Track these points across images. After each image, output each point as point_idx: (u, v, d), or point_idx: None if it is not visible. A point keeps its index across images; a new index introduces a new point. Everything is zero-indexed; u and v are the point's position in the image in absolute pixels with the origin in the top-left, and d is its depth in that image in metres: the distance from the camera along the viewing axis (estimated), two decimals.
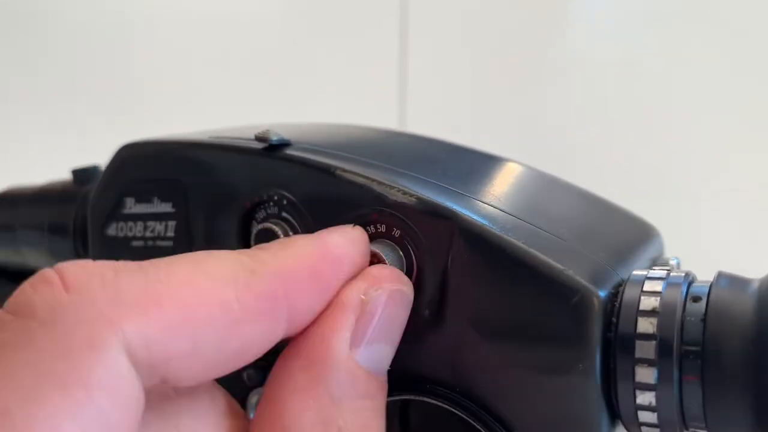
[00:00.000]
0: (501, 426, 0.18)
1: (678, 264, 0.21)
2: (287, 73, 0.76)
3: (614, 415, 0.17)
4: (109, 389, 0.13)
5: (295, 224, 0.21)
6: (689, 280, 0.17)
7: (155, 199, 0.23)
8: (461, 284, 0.18)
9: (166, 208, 0.23)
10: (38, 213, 0.28)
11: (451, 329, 0.18)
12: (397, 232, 0.19)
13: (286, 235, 0.21)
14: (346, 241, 0.18)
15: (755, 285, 0.16)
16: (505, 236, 0.18)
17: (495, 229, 0.18)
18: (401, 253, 0.19)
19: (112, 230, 0.24)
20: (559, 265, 0.17)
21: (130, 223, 0.24)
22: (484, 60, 0.72)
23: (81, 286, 0.14)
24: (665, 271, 0.17)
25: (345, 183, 0.20)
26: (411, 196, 0.19)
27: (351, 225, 0.19)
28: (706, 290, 0.17)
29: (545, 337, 0.17)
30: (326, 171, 0.20)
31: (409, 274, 0.19)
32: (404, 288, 0.18)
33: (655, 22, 0.73)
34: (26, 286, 0.14)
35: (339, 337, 0.17)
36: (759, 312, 0.15)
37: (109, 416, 0.13)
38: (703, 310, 0.16)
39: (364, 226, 0.19)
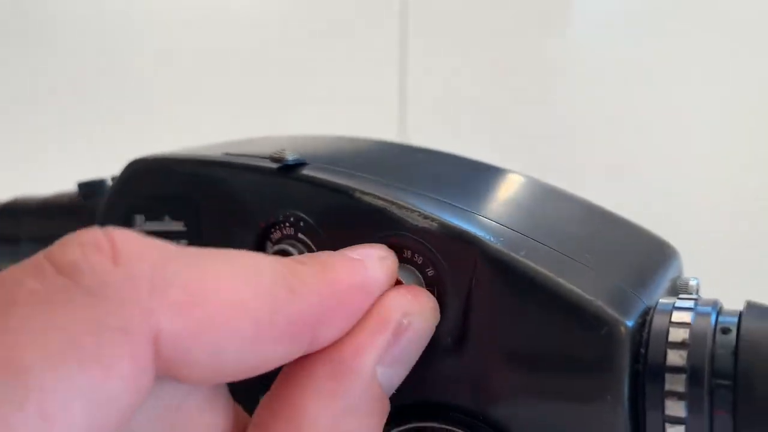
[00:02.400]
0: None
1: (698, 285, 0.21)
2: (288, 77, 0.76)
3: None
4: (128, 378, 0.13)
5: (312, 246, 0.20)
6: (717, 309, 0.17)
7: (166, 217, 0.23)
8: (484, 310, 0.18)
9: (178, 226, 0.23)
10: (44, 226, 0.28)
11: (473, 356, 0.18)
12: (418, 258, 0.19)
13: None
14: (383, 272, 0.17)
15: None
16: (531, 264, 0.17)
17: (519, 257, 0.18)
18: (421, 278, 0.19)
19: None
20: (587, 295, 0.17)
21: None
22: (485, 65, 0.72)
23: (130, 262, 0.14)
24: (692, 301, 0.17)
25: (364, 205, 0.19)
26: (432, 220, 0.19)
27: (384, 247, 0.18)
28: (736, 321, 0.16)
29: (572, 366, 0.17)
30: (344, 193, 0.20)
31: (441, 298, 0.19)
32: (436, 314, 0.18)
33: (655, 25, 0.73)
34: (74, 244, 0.14)
35: (374, 352, 0.17)
36: None
37: (119, 403, 0.13)
38: (734, 342, 0.16)
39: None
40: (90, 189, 0.27)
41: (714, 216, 0.65)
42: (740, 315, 0.17)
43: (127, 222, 0.24)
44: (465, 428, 0.18)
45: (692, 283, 0.21)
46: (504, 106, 0.69)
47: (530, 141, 0.65)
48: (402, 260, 0.19)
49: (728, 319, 0.17)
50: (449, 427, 0.18)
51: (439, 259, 0.18)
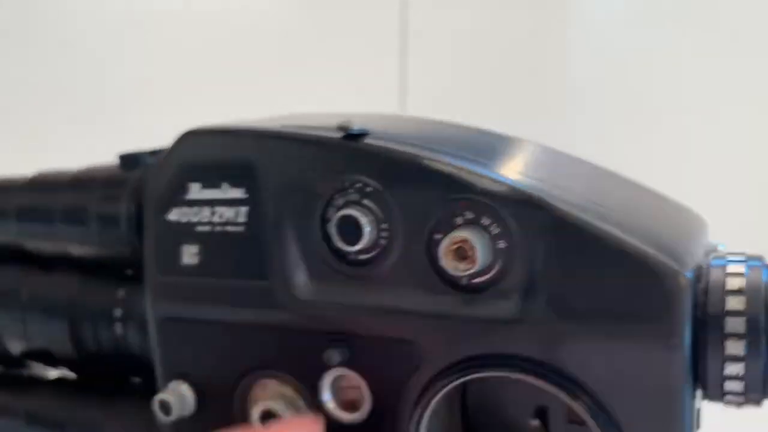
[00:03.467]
0: (590, 397, 0.19)
1: (725, 249, 0.23)
2: (287, 70, 0.76)
3: (697, 386, 0.19)
4: None
5: (378, 211, 0.22)
6: (765, 262, 0.19)
7: (224, 185, 0.24)
8: (552, 267, 0.19)
9: (237, 194, 0.24)
10: (80, 198, 0.28)
11: (541, 310, 0.20)
12: (486, 220, 0.20)
13: (369, 221, 0.21)
14: None
15: None
16: (598, 223, 0.19)
17: (586, 217, 0.19)
18: (490, 239, 0.20)
19: (174, 215, 0.25)
20: (651, 250, 0.18)
21: (196, 209, 0.24)
22: (485, 59, 0.72)
23: None
24: (742, 255, 0.19)
25: (433, 171, 0.21)
26: (501, 184, 0.20)
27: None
28: None
29: (637, 317, 0.19)
30: (413, 159, 0.21)
31: (498, 259, 0.20)
32: None
33: (653, 24, 0.74)
34: None
35: None
36: None
37: None
38: None
39: (452, 214, 0.20)
40: (132, 160, 0.27)
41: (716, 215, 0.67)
42: None
43: (181, 190, 0.25)
44: (534, 375, 0.20)
45: (721, 247, 0.23)
46: (505, 99, 0.70)
47: (532, 134, 0.67)
48: (471, 222, 0.20)
49: None
50: (519, 375, 0.20)
51: (507, 221, 0.20)
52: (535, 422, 0.23)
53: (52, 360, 0.31)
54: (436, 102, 0.69)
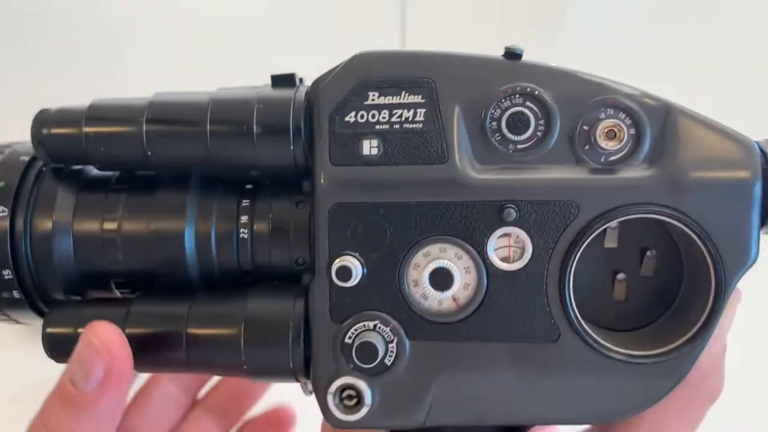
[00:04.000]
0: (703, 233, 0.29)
1: None
2: (286, 66, 0.78)
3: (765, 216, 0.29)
4: None
5: (537, 111, 0.30)
6: None
7: (403, 93, 0.30)
8: (668, 144, 0.29)
9: (416, 99, 0.30)
10: (238, 113, 0.31)
11: (663, 175, 0.29)
12: (623, 114, 0.29)
13: (533, 116, 0.29)
14: None
15: None
16: (696, 114, 0.29)
17: (687, 110, 0.29)
18: (627, 126, 0.29)
19: (351, 117, 0.30)
20: (729, 130, 0.29)
21: (374, 111, 0.30)
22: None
23: None
24: None
25: (585, 81, 0.30)
26: (633, 89, 0.30)
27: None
28: None
29: (726, 165, 0.29)
30: (570, 73, 0.30)
31: (629, 141, 0.29)
32: None
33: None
34: None
35: None
36: None
37: None
38: None
39: (601, 106, 0.29)
40: (286, 80, 0.32)
41: None
42: None
43: (359, 97, 0.30)
44: (667, 215, 0.29)
45: None
46: None
47: None
48: (614, 115, 0.29)
49: None
50: (655, 216, 0.29)
51: (638, 112, 0.29)
52: (621, 276, 0.32)
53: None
54: None
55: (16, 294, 0.33)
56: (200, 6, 0.84)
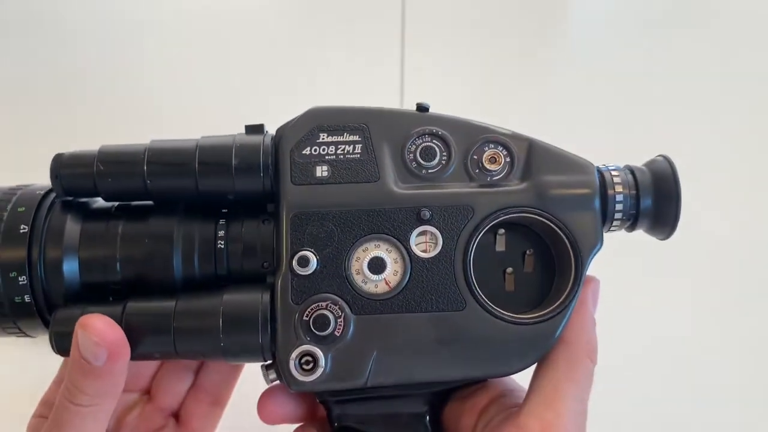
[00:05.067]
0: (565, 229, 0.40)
1: None
2: (287, 70, 0.80)
3: (604, 217, 0.41)
4: None
5: (441, 145, 0.41)
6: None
7: (345, 134, 0.42)
8: (535, 166, 0.41)
9: (354, 138, 0.41)
10: (221, 154, 0.41)
11: (531, 187, 0.41)
12: (501, 148, 0.42)
13: (437, 148, 0.41)
14: None
15: None
16: (549, 147, 0.42)
17: (543, 143, 0.42)
18: (504, 156, 0.41)
19: (307, 151, 0.41)
20: (577, 157, 0.42)
21: (324, 146, 0.41)
22: (483, 58, 0.78)
23: None
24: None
25: (473, 125, 0.42)
26: (507, 130, 0.42)
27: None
28: None
29: (575, 185, 0.41)
30: (462, 120, 0.42)
31: (506, 166, 0.41)
32: None
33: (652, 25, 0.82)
34: None
35: None
36: None
37: None
38: None
39: (485, 141, 0.41)
40: (256, 129, 0.43)
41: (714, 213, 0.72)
42: None
43: (312, 137, 0.41)
44: (535, 214, 0.40)
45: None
46: (500, 103, 0.74)
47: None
48: (495, 147, 0.41)
49: None
50: (528, 215, 0.40)
51: (511, 147, 0.42)
52: (509, 270, 0.42)
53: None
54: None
55: (26, 298, 0.40)
56: (200, 5, 0.86)
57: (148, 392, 0.50)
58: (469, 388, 0.44)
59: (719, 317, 0.71)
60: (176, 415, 0.50)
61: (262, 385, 0.43)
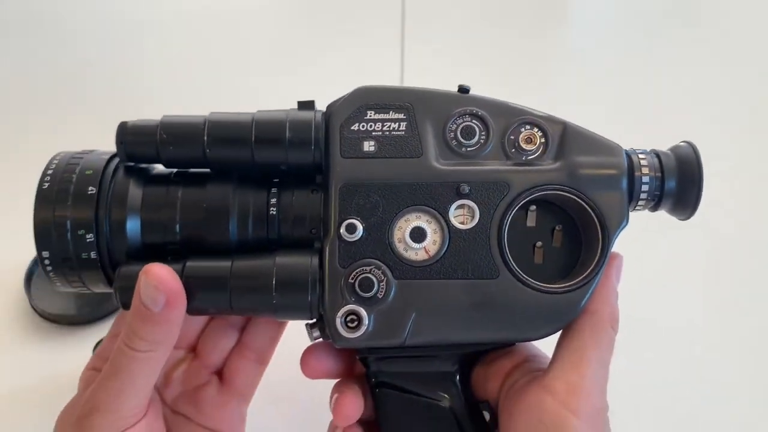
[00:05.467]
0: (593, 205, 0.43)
1: None
2: (287, 70, 0.80)
3: (630, 197, 0.44)
4: None
5: (480, 125, 0.44)
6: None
7: (391, 112, 0.45)
8: (569, 147, 0.44)
9: (399, 116, 0.44)
10: (276, 129, 0.44)
11: (566, 165, 0.44)
12: (537, 129, 0.45)
13: (477, 128, 0.44)
14: None
15: None
16: (583, 130, 0.45)
17: (576, 127, 0.45)
18: (542, 135, 0.44)
19: (355, 127, 0.44)
20: (608, 140, 0.45)
21: (371, 123, 0.44)
22: (482, 56, 0.78)
23: None
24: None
25: (511, 106, 0.45)
26: (542, 113, 0.45)
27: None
28: None
29: (605, 165, 0.44)
30: (501, 102, 0.45)
31: (541, 145, 0.44)
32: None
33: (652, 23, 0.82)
34: None
35: None
36: None
37: None
38: None
39: (522, 122, 0.44)
40: (308, 105, 0.46)
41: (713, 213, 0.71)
42: None
43: (360, 113, 0.44)
44: (569, 193, 0.43)
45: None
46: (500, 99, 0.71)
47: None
48: (531, 129, 0.44)
49: None
50: (562, 192, 0.43)
51: (545, 127, 0.44)
52: (539, 244, 0.45)
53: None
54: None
55: (93, 255, 0.44)
56: (202, 3, 0.86)
57: (193, 350, 0.53)
58: (495, 353, 0.47)
59: (723, 315, 0.72)
60: (219, 374, 0.53)
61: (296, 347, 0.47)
